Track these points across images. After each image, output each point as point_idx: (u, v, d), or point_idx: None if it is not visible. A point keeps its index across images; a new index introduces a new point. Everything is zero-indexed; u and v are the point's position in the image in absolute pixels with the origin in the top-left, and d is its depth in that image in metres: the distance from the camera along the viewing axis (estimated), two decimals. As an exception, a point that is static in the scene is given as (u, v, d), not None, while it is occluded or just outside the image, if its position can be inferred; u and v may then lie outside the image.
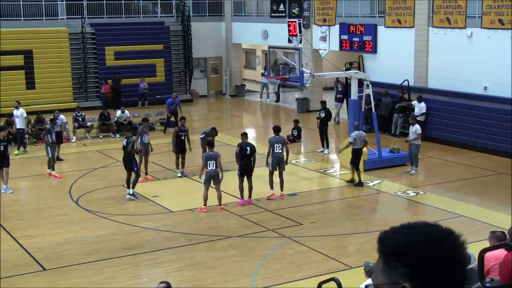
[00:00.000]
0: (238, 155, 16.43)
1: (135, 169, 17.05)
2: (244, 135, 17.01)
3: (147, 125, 20.13)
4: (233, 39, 36.00)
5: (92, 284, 11.92)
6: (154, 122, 26.87)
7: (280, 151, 16.85)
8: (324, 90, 32.86)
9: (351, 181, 18.14)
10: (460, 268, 2.06)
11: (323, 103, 22.99)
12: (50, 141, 19.60)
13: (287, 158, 17.14)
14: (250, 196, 16.56)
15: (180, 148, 19.10)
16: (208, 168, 15.91)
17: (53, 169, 19.67)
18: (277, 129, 17.46)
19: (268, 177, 17.00)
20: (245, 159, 16.37)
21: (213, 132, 19.59)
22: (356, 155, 18.02)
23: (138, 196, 17.13)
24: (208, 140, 17.29)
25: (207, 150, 16.56)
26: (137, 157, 17.54)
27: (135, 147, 17.26)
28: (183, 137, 19.05)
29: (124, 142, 17.18)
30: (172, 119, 27.07)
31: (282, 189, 16.95)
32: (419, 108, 23.35)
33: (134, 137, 17.41)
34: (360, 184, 17.89)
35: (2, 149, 17.82)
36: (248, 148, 16.47)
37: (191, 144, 19.34)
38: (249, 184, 16.45)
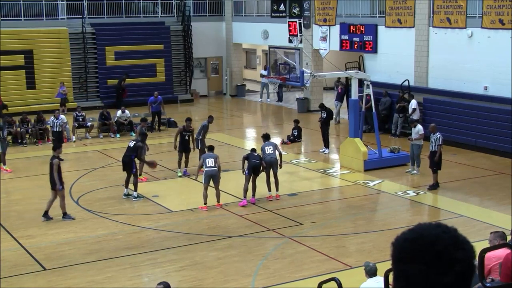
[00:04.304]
0: (246, 157, 16.53)
1: (134, 170, 17.08)
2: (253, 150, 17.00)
3: (145, 125, 20.31)
4: (233, 39, 36.01)
5: (92, 284, 11.92)
6: (155, 122, 26.90)
7: (272, 152, 16.83)
8: (324, 90, 32.86)
9: (434, 186, 17.59)
10: (450, 270, 2.05)
11: (322, 106, 22.97)
12: (2, 137, 20.26)
13: (281, 162, 17.12)
14: (253, 195, 16.58)
15: (184, 147, 19.20)
16: (208, 165, 15.96)
17: (4, 164, 20.22)
18: (266, 136, 17.57)
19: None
20: (255, 158, 16.47)
21: (210, 120, 19.95)
22: (431, 157, 17.63)
23: (139, 196, 17.13)
24: (209, 145, 17.34)
25: (207, 152, 16.66)
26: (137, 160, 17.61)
27: (148, 159, 17.69)
28: (187, 137, 19.18)
29: (131, 144, 17.24)
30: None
31: (277, 189, 16.97)
32: (410, 106, 23.42)
33: (140, 143, 17.44)
34: (435, 186, 17.56)
35: None
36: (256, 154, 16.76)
37: (195, 144, 19.39)
38: (253, 184, 16.48)
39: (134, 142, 17.39)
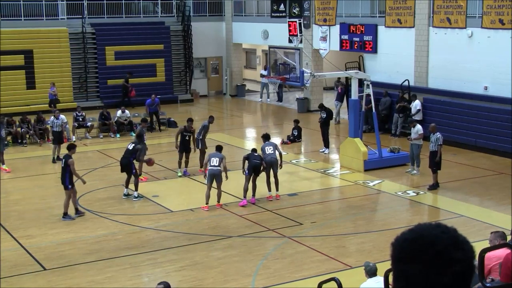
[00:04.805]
0: (247, 157, 16.54)
1: (134, 171, 17.08)
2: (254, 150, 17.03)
3: (145, 125, 20.35)
4: (233, 39, 36.01)
5: (92, 284, 11.93)
6: (154, 122, 26.90)
7: (272, 152, 16.83)
8: (324, 90, 32.86)
9: (434, 186, 17.59)
10: (449, 270, 2.05)
11: (321, 106, 22.97)
12: (0, 136, 20.36)
13: (281, 162, 17.12)
14: (254, 195, 16.59)
15: (184, 147, 19.20)
16: (211, 164, 15.96)
17: (3, 163, 20.28)
18: (266, 136, 17.58)
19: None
20: (255, 158, 16.48)
21: (211, 120, 20.10)
22: (431, 157, 17.62)
23: (139, 196, 17.13)
24: (218, 145, 17.28)
25: (214, 151, 16.63)
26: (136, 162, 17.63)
27: (145, 157, 17.76)
28: (187, 138, 19.18)
29: (130, 147, 17.25)
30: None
31: (277, 189, 16.97)
32: (414, 106, 23.43)
33: (139, 145, 17.43)
34: (435, 186, 17.57)
35: None
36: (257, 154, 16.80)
37: (195, 145, 19.40)
38: (253, 184, 16.49)
39: (133, 144, 17.38)
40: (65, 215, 15.55)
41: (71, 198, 15.65)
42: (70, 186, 15.44)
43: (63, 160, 15.70)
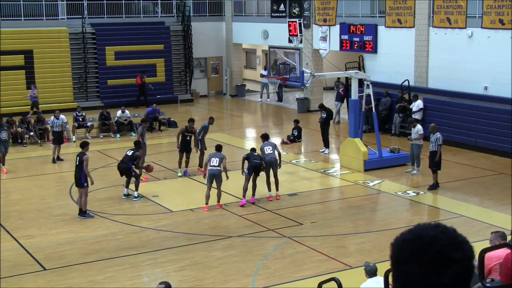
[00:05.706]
0: (246, 157, 16.55)
1: (134, 173, 17.08)
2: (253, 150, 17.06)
3: (146, 125, 20.35)
4: (233, 39, 36.01)
5: (92, 284, 11.93)
6: (153, 122, 26.89)
7: (271, 152, 16.83)
8: (324, 90, 32.86)
9: (434, 186, 17.58)
10: (448, 270, 2.05)
11: (321, 106, 22.98)
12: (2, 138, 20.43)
13: (280, 161, 17.12)
14: (253, 194, 16.59)
15: (185, 147, 19.21)
16: (211, 164, 15.97)
17: (3, 164, 20.32)
18: (265, 136, 17.59)
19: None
20: (255, 158, 16.49)
21: (211, 121, 20.14)
22: (431, 157, 17.63)
23: (139, 196, 17.13)
24: (217, 145, 17.26)
25: (214, 151, 16.63)
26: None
27: (144, 164, 17.82)
28: (188, 138, 19.20)
29: (129, 153, 17.23)
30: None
31: (277, 189, 16.97)
32: (416, 106, 23.43)
33: (138, 153, 17.39)
34: (435, 186, 17.57)
35: None
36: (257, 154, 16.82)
37: (196, 145, 19.42)
38: (253, 183, 16.48)
39: (132, 151, 17.36)
40: (84, 213, 15.58)
41: (82, 198, 15.65)
42: (85, 184, 15.49)
43: (78, 157, 15.71)
